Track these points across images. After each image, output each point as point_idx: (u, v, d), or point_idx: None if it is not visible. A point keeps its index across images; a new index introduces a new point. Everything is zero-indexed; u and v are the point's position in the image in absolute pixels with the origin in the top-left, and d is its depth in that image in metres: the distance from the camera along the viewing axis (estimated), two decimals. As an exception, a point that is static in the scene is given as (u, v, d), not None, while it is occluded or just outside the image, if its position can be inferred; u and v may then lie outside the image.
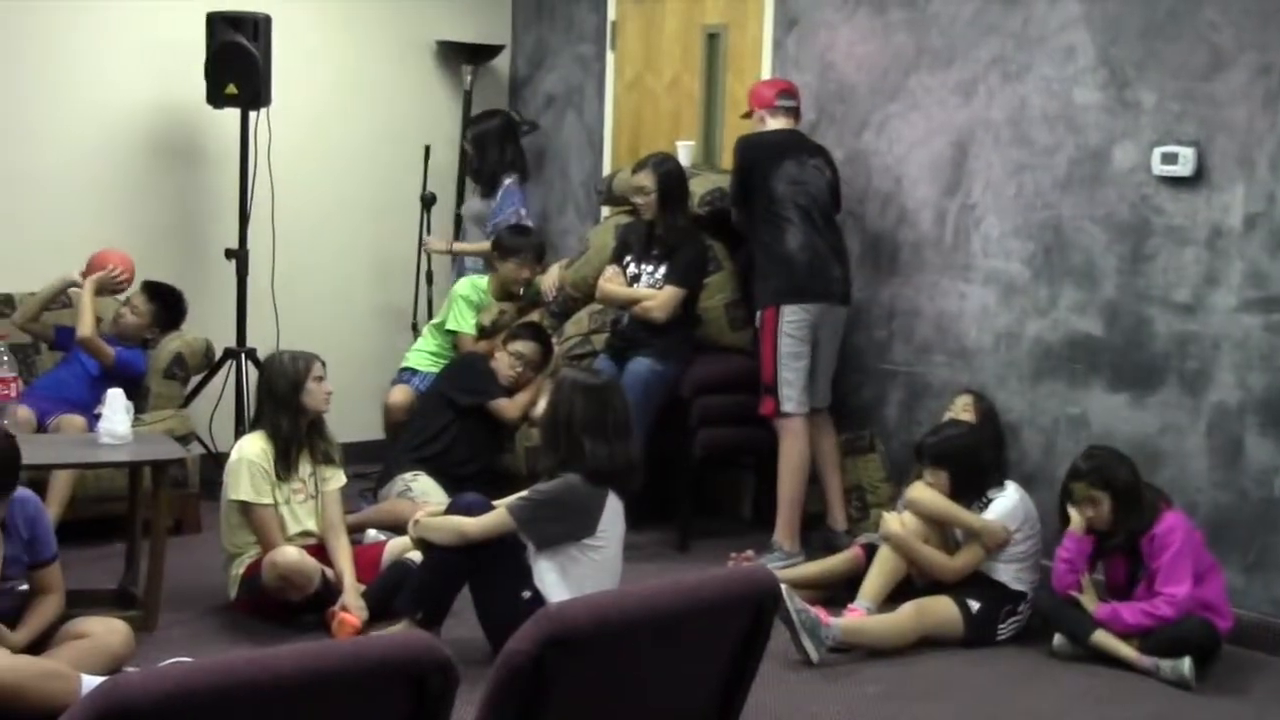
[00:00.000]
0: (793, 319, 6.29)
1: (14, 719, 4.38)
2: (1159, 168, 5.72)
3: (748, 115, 6.65)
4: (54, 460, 5.79)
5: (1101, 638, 5.31)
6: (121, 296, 6.89)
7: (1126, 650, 5.27)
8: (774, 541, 6.32)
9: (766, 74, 7.14)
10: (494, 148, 7.77)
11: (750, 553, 6.29)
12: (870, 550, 5.79)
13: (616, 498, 5.07)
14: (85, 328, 6.51)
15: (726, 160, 7.38)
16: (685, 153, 7.14)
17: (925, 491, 5.68)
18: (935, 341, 6.53)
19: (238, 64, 7.01)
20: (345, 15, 8.00)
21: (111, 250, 6.73)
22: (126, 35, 7.31)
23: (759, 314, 6.40)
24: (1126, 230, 5.84)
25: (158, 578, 5.44)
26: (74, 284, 6.73)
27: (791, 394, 6.31)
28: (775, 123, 6.48)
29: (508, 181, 7.73)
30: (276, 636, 5.32)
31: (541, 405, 6.14)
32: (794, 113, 6.53)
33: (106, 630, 4.81)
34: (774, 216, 6.31)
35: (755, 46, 7.26)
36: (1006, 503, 5.62)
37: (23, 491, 4.79)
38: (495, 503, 5.13)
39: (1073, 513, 5.41)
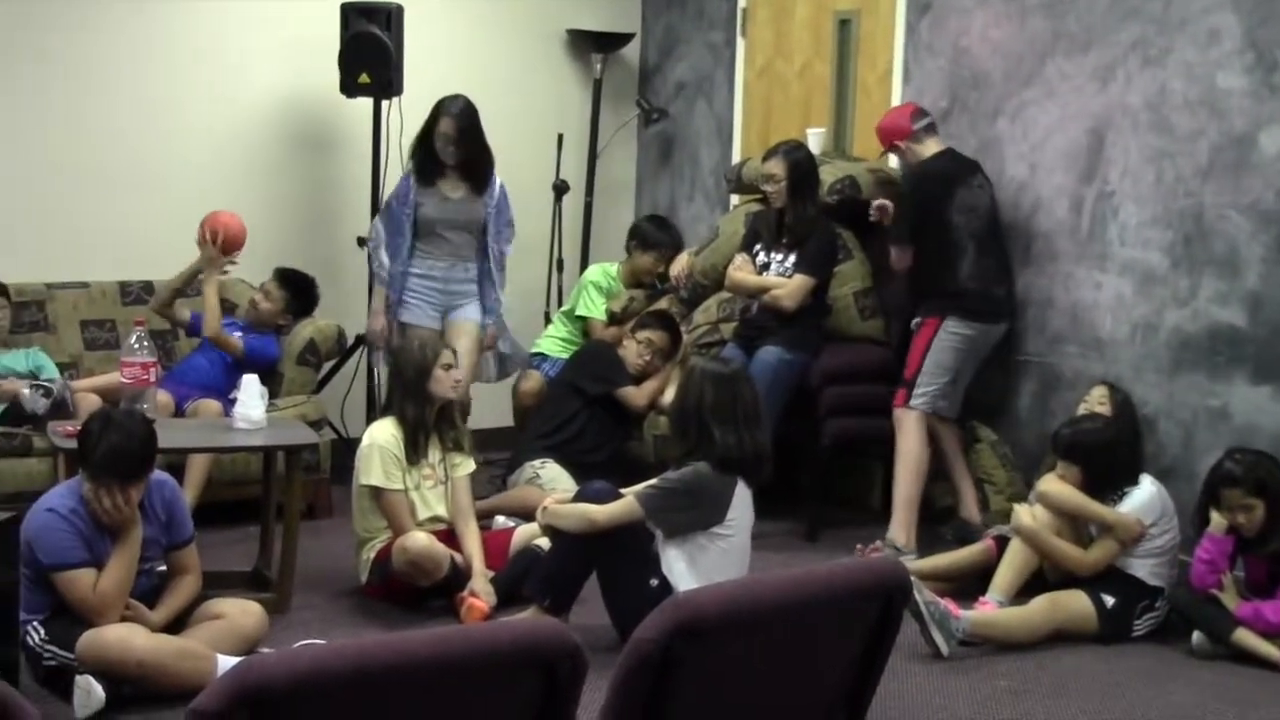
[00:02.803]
0: (954, 331, 6.29)
1: (153, 696, 4.47)
2: (1308, 155, 5.58)
3: (889, 152, 6.62)
4: (190, 444, 5.89)
5: (1243, 636, 5.19)
6: (256, 283, 6.99)
7: (1269, 649, 5.15)
8: (888, 538, 6.26)
9: (898, 60, 7.08)
10: None
11: (879, 543, 6.24)
12: (1002, 543, 5.71)
13: (745, 486, 5.05)
14: (211, 326, 6.60)
15: (858, 148, 7.34)
16: (815, 140, 7.09)
17: (1057, 484, 5.59)
18: (1069, 332, 6.43)
19: (370, 53, 7.08)
20: (476, 4, 8.04)
21: (222, 213, 6.76)
22: (263, 28, 7.41)
23: (919, 318, 6.37)
24: (1273, 218, 5.69)
25: (291, 561, 5.50)
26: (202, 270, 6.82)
27: (924, 394, 6.29)
28: (926, 148, 6.42)
29: None
30: (406, 621, 5.37)
31: (670, 394, 6.15)
32: (934, 128, 6.46)
33: (241, 611, 4.89)
34: (948, 245, 6.28)
35: (887, 32, 7.19)
36: (1141, 496, 5.52)
37: (160, 474, 4.88)
38: (624, 491, 5.12)
39: (1215, 515, 5.29)
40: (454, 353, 5.82)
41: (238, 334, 6.80)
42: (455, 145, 6.57)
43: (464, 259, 6.74)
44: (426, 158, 6.63)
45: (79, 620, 4.56)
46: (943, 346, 6.29)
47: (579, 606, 5.18)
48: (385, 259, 6.69)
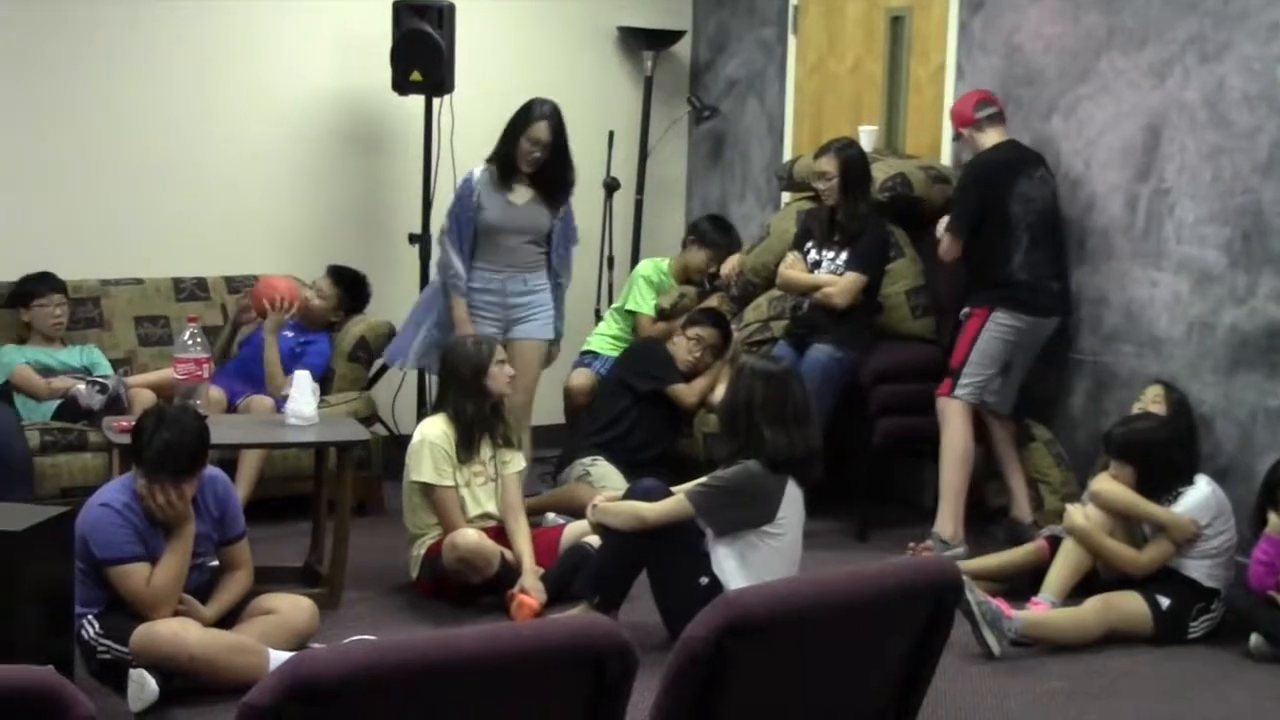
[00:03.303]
0: (1003, 322, 6.25)
1: (205, 690, 4.49)
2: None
3: (958, 137, 6.58)
4: (243, 440, 5.92)
5: (1301, 638, 5.15)
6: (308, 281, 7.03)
7: (1326, 651, 5.11)
8: (934, 531, 6.24)
9: (951, 57, 7.04)
10: None
11: (929, 542, 6.21)
12: (1055, 543, 5.68)
13: (796, 486, 5.03)
14: (275, 383, 6.52)
15: (910, 145, 7.31)
16: (867, 138, 7.06)
17: (1110, 484, 5.55)
18: (1124, 330, 6.38)
19: (422, 51, 7.10)
20: (528, 2, 8.05)
21: (274, 278, 6.82)
22: (316, 26, 7.45)
23: (968, 309, 6.33)
24: (1332, 216, 5.64)
25: (342, 557, 5.52)
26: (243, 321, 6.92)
27: (969, 384, 6.25)
28: (989, 137, 6.37)
29: None
30: (456, 617, 5.39)
31: (720, 391, 6.14)
32: (1000, 119, 6.42)
33: (293, 607, 4.91)
34: (1002, 236, 6.24)
35: (940, 29, 7.15)
36: (1196, 496, 5.47)
37: (213, 470, 4.91)
38: (674, 488, 5.12)
39: (1273, 516, 5.24)
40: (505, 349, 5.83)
41: (289, 330, 6.84)
42: (544, 150, 6.26)
43: (523, 270, 6.42)
44: (505, 159, 6.32)
45: (133, 614, 4.60)
46: (990, 337, 6.24)
47: (628, 604, 5.18)
48: (460, 266, 6.31)
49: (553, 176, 6.33)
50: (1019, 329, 6.26)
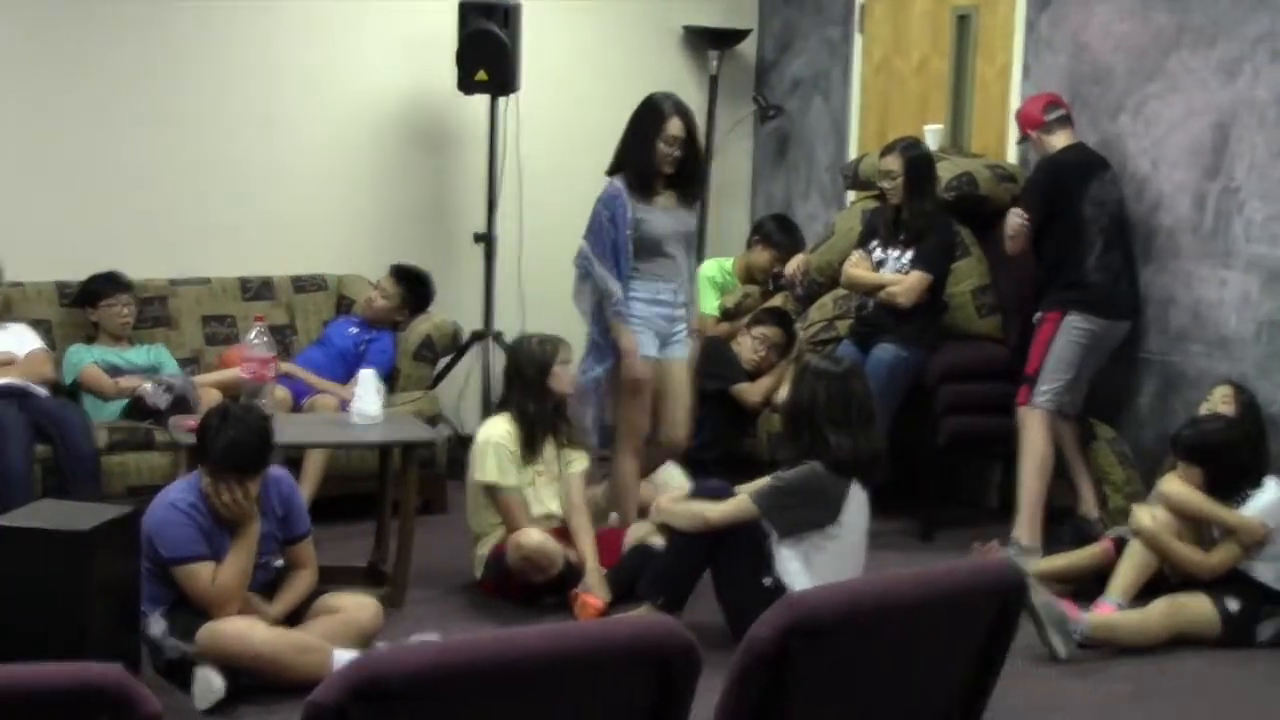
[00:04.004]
0: (1077, 326, 6.19)
1: (270, 688, 4.52)
2: None
3: (1024, 140, 6.54)
4: (308, 439, 5.94)
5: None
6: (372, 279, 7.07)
7: (1396, 655, 5.04)
8: (1012, 536, 6.20)
9: (1018, 56, 7.00)
10: None
11: (996, 543, 6.16)
12: (1120, 544, 5.63)
13: (860, 487, 5.01)
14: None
15: (975, 144, 7.27)
16: (933, 137, 7.03)
17: (1178, 485, 5.50)
18: (1192, 330, 6.32)
19: (488, 51, 7.12)
20: (593, 1, 8.05)
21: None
22: (382, 26, 7.47)
23: (1040, 313, 6.29)
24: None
25: (406, 556, 5.54)
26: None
27: (1047, 391, 6.20)
28: (1058, 139, 6.32)
29: None
30: (520, 617, 5.40)
31: (784, 391, 6.11)
32: (1068, 121, 6.37)
33: (357, 606, 4.92)
34: (1075, 238, 6.19)
35: (1006, 27, 7.11)
36: (1266, 498, 5.42)
37: (277, 470, 4.94)
38: (738, 489, 5.11)
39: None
40: (570, 348, 5.81)
41: (354, 329, 6.88)
42: (682, 148, 5.84)
43: (683, 279, 6.02)
44: (646, 165, 5.87)
45: (199, 613, 4.63)
46: (1065, 342, 6.20)
47: (691, 604, 5.17)
48: (618, 290, 5.80)
49: (690, 173, 5.99)
50: (1092, 332, 6.21)
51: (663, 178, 5.86)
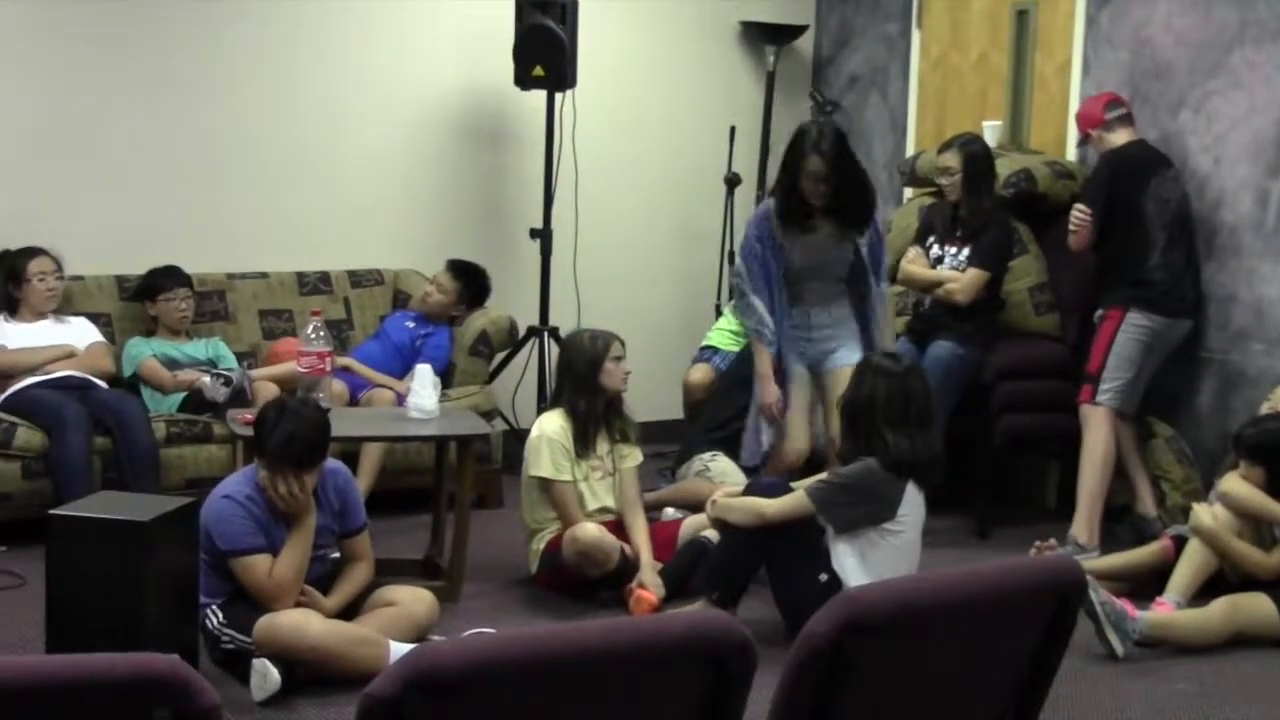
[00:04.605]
0: (1138, 323, 6.16)
1: (327, 680, 4.54)
2: None
3: (1084, 141, 6.49)
4: (364, 433, 5.97)
5: None
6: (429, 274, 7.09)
7: None
8: (1070, 535, 6.16)
9: (1077, 51, 6.95)
10: None
11: (1053, 541, 6.13)
12: (1179, 542, 5.58)
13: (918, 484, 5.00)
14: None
15: (1034, 140, 7.23)
16: (991, 133, 6.99)
17: (1239, 485, 5.45)
18: (1253, 329, 6.27)
19: (545, 46, 7.12)
20: (650, -3, 8.06)
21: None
22: (439, 21, 7.49)
23: (1102, 310, 6.24)
24: None
25: (462, 550, 5.55)
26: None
27: (1110, 389, 6.16)
28: (1119, 136, 6.27)
29: None
30: (575, 611, 5.40)
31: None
32: (1129, 119, 6.32)
33: (413, 599, 4.94)
34: (1137, 234, 6.15)
35: (1066, 23, 7.06)
36: (1328, 498, 5.37)
37: (334, 463, 4.96)
38: (794, 485, 5.10)
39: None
40: (623, 344, 5.81)
41: (410, 324, 6.90)
42: (826, 184, 5.70)
43: (826, 304, 5.99)
44: (790, 200, 5.76)
45: (256, 605, 4.66)
46: (1126, 339, 6.15)
47: (746, 599, 5.17)
48: (766, 315, 5.86)
49: (847, 204, 5.80)
50: (1153, 330, 6.16)
51: (814, 208, 5.77)
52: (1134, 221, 6.15)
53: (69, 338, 6.39)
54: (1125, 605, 5.12)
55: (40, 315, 6.41)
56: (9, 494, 5.93)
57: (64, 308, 6.52)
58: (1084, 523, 6.17)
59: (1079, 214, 6.26)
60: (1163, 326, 6.18)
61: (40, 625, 4.46)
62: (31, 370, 6.22)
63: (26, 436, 5.94)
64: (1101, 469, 6.17)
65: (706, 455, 6.60)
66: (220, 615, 4.68)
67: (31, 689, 2.25)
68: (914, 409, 4.96)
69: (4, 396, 6.15)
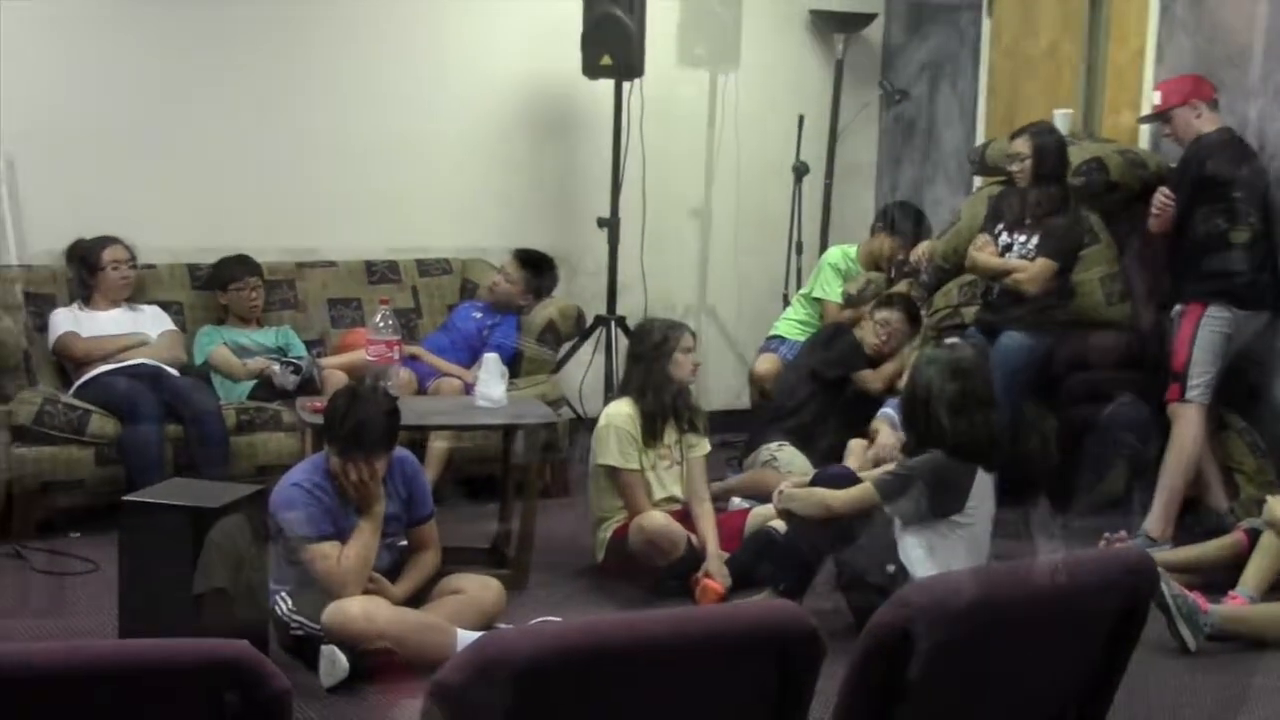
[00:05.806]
0: (1220, 316, 6.07)
1: (394, 667, 4.56)
2: None
3: (1156, 117, 6.39)
4: (432, 421, 5.99)
5: None
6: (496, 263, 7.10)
7: None
8: (1143, 528, 6.09)
9: (1151, 39, 6.87)
10: None
11: (1124, 533, 6.07)
12: (1253, 536, 5.51)
13: (986, 474, 4.96)
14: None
15: (1107, 129, 7.16)
16: (1063, 121, 6.92)
17: (1316, 477, 5.38)
18: (1330, 320, 6.18)
19: (613, 35, 7.11)
20: (718, -15, 8.04)
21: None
22: (507, 10, 7.50)
23: (1181, 305, 6.17)
24: None
25: (529, 538, 5.57)
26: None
27: (1198, 384, 6.07)
28: (1207, 123, 6.18)
29: None
30: (641, 600, 5.40)
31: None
32: (1216, 106, 6.24)
33: (480, 587, 4.95)
34: (1222, 224, 6.06)
35: (1140, 9, 6.98)
36: (1405, 493, 5.29)
37: (401, 451, 4.98)
38: (861, 475, 5.07)
39: None
40: (693, 335, 5.82)
41: (478, 314, 6.92)
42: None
43: None
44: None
45: (325, 592, 4.68)
46: (1208, 333, 6.06)
47: (814, 590, 5.15)
48: None
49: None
50: (1233, 321, 6.08)
51: None
52: (1218, 211, 6.06)
53: (141, 326, 6.45)
54: (1198, 599, 5.07)
55: (113, 304, 6.47)
56: (82, 480, 5.99)
57: (136, 296, 6.59)
58: (1159, 517, 6.10)
59: (1163, 198, 6.18)
60: (1241, 318, 6.11)
61: (113, 610, 4.51)
62: (105, 358, 6.28)
63: (100, 423, 6.00)
64: (1187, 465, 6.10)
65: (774, 445, 6.59)
66: (289, 602, 4.71)
67: (105, 673, 2.27)
68: (970, 392, 4.91)
69: (78, 384, 6.21)
